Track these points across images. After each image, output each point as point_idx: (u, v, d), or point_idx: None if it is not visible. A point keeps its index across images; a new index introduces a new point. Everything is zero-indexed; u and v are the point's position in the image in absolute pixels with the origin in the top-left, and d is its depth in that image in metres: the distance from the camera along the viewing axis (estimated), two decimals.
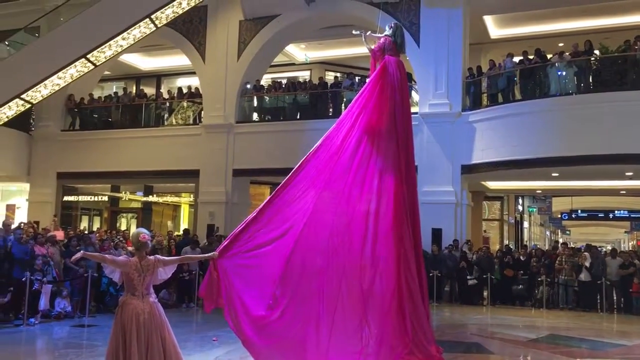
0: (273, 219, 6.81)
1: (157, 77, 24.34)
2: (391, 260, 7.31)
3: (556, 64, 15.16)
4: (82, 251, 6.19)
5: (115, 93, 22.05)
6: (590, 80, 14.92)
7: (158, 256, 5.63)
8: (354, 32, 8.24)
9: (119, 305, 5.36)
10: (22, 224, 13.69)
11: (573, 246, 19.06)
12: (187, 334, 9.47)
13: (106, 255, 5.57)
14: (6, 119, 16.62)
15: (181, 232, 19.91)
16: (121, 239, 14.36)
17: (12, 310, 10.33)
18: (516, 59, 15.99)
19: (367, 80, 7.96)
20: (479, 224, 20.48)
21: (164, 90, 22.52)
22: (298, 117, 18.53)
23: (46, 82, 16.19)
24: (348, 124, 7.49)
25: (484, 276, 14.71)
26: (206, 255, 6.31)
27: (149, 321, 5.25)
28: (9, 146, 19.83)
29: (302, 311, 6.76)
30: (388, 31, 7.92)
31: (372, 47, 7.99)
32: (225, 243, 6.48)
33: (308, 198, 7.05)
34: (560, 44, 17.27)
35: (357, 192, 7.28)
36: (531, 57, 15.56)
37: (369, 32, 8.20)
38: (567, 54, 15.22)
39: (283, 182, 7.04)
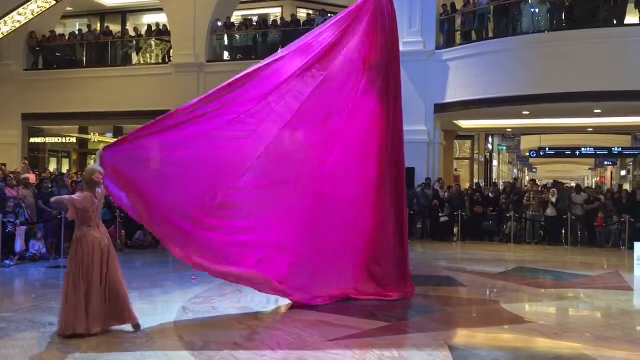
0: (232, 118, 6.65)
1: (123, 13, 23.45)
2: (370, 198, 7.44)
3: (529, 1, 15.08)
4: (55, 198, 6.32)
5: (80, 30, 21.28)
6: (563, 18, 14.92)
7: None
8: None
9: (76, 240, 5.61)
10: None
11: (540, 183, 19.51)
12: (164, 274, 9.58)
13: (69, 198, 5.78)
14: None
15: None
16: None
17: None
18: None
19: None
20: (450, 162, 20.79)
21: (130, 27, 21.79)
22: (270, 55, 18.13)
23: (6, 18, 15.57)
24: (337, 52, 7.32)
25: (455, 213, 15.07)
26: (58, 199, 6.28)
27: (106, 247, 5.70)
28: None
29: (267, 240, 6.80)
30: None
31: None
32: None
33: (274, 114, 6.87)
34: None
35: (337, 124, 7.27)
36: None
37: None
38: None
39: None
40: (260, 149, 6.73)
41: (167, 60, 18.95)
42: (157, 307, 7.03)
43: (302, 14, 21.15)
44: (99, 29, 21.91)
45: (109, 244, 5.77)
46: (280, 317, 6.58)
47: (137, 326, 5.77)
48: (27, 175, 12.69)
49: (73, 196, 5.83)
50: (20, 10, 15.60)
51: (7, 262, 10.10)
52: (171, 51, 18.79)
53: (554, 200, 14.76)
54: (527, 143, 27.66)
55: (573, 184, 20.51)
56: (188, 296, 7.65)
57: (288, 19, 18.99)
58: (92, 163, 6.17)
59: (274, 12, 22.06)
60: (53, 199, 6.35)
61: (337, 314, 6.65)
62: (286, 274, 6.77)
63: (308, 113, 7.03)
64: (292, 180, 6.90)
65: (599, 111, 16.00)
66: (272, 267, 6.70)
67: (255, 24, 18.84)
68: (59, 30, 20.99)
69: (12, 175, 11.85)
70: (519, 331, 6.34)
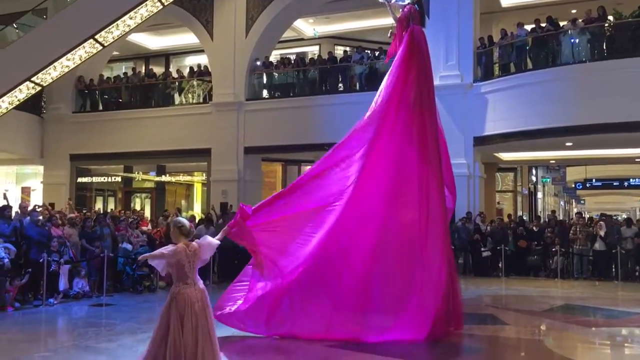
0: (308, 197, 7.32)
1: (166, 56, 24.26)
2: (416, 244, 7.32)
3: (569, 32, 14.90)
4: (143, 255, 5.88)
5: (125, 73, 22.05)
6: (604, 47, 14.66)
7: (197, 240, 5.47)
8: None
9: (172, 296, 5.17)
10: (37, 207, 13.83)
11: (588, 215, 18.91)
12: None
13: (162, 251, 5.34)
14: (18, 102, 16.68)
15: (191, 212, 20.07)
16: (135, 218, 14.46)
17: (31, 291, 10.49)
18: (528, 28, 15.73)
19: (395, 52, 7.98)
20: (492, 195, 20.39)
21: (173, 69, 22.48)
22: (308, 92, 18.41)
23: (55, 64, 16.18)
24: (383, 102, 7.53)
25: (498, 248, 14.69)
26: (221, 234, 6.16)
27: (201, 309, 5.17)
28: (21, 129, 19.99)
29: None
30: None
31: (398, 15, 7.98)
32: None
33: (345, 180, 7.33)
34: (573, 11, 16.94)
35: (397, 177, 7.33)
36: (543, 25, 15.29)
37: (393, 0, 8.19)
38: (580, 20, 14.94)
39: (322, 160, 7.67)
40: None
41: (207, 100, 19.39)
42: None
43: (339, 51, 21.42)
44: (143, 71, 22.67)
45: (206, 306, 5.20)
46: (321, 358, 6.44)
47: None
48: (71, 215, 13.03)
49: (162, 250, 5.41)
50: (69, 55, 16.20)
51: (51, 300, 10.29)
52: (212, 91, 19.25)
53: (602, 233, 14.24)
54: (573, 174, 26.93)
55: (624, 216, 19.79)
56: (222, 334, 7.60)
57: (325, 56, 19.25)
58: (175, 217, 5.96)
59: (312, 50, 22.43)
60: (142, 257, 5.72)
61: (375, 354, 6.49)
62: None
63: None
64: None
65: None
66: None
67: (292, 62, 19.16)
68: (106, 73, 21.81)
69: (57, 215, 12.17)
70: None
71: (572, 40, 14.84)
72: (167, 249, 5.30)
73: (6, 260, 9.61)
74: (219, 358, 5.25)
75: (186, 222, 5.43)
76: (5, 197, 12.42)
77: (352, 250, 7.14)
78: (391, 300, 7.09)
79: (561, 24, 15.25)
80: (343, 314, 6.99)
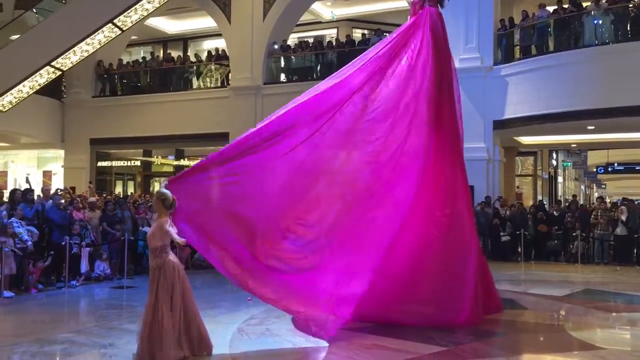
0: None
1: (184, 40, 24.29)
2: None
3: (592, 13, 14.60)
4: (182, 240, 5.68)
5: (144, 58, 22.13)
6: (628, 29, 14.35)
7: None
8: None
9: (158, 267, 5.40)
10: (59, 190, 13.99)
11: (609, 200, 18.65)
12: (222, 294, 9.68)
13: (172, 230, 5.50)
14: (38, 87, 16.89)
15: None
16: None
17: (54, 273, 10.67)
18: (550, 9, 15.44)
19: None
20: (511, 179, 20.21)
21: (191, 53, 22.51)
22: (326, 76, 18.25)
23: (75, 48, 16.33)
24: (398, 78, 7.39)
25: (517, 232, 14.58)
26: (178, 240, 5.62)
27: (184, 274, 5.58)
28: (42, 113, 20.23)
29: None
30: None
31: None
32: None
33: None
34: None
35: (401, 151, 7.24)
36: (566, 6, 15.00)
37: None
38: (604, 1, 14.62)
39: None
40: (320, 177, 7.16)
41: (225, 84, 19.41)
42: (213, 329, 7.05)
43: (357, 34, 21.25)
44: (162, 55, 22.74)
45: (183, 271, 5.61)
46: (335, 339, 6.48)
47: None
48: (92, 198, 13.17)
49: (171, 231, 5.49)
50: (88, 40, 16.32)
51: (73, 282, 10.47)
52: (230, 75, 19.25)
53: (623, 218, 14.05)
54: (594, 158, 26.57)
55: None
56: (243, 317, 7.68)
57: (343, 39, 19.11)
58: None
59: (330, 33, 22.29)
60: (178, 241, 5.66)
61: (393, 337, 6.50)
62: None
63: (363, 139, 7.33)
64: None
65: None
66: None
67: (310, 45, 19.06)
68: (124, 58, 21.93)
69: (78, 199, 12.32)
70: (588, 358, 6.01)
71: (595, 22, 14.55)
72: (172, 230, 5.44)
73: (29, 243, 9.78)
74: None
75: (169, 195, 5.52)
76: (27, 181, 12.60)
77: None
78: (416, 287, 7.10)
79: (584, 4, 14.96)
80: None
